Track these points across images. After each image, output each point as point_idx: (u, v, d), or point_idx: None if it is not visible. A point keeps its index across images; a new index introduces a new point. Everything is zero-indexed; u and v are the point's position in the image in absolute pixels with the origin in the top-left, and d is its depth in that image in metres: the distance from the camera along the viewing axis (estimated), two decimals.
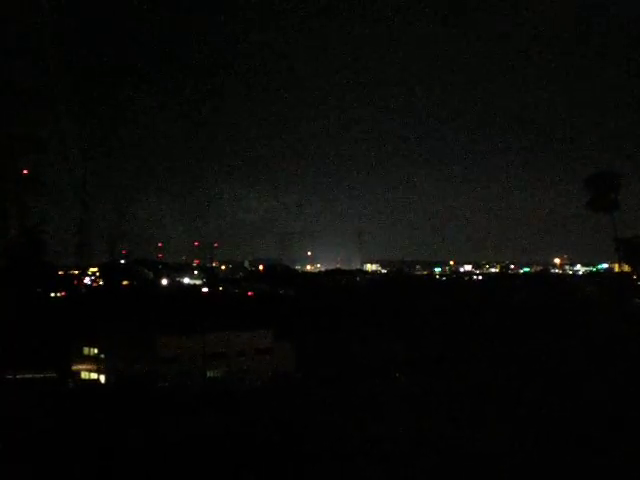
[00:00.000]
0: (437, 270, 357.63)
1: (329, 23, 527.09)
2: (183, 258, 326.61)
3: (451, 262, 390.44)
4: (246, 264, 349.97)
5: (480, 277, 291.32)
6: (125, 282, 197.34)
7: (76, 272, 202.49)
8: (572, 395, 70.44)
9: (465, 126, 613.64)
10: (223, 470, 48.47)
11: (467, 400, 68.88)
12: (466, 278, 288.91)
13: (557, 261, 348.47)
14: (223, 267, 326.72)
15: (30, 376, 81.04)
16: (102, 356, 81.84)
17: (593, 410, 63.42)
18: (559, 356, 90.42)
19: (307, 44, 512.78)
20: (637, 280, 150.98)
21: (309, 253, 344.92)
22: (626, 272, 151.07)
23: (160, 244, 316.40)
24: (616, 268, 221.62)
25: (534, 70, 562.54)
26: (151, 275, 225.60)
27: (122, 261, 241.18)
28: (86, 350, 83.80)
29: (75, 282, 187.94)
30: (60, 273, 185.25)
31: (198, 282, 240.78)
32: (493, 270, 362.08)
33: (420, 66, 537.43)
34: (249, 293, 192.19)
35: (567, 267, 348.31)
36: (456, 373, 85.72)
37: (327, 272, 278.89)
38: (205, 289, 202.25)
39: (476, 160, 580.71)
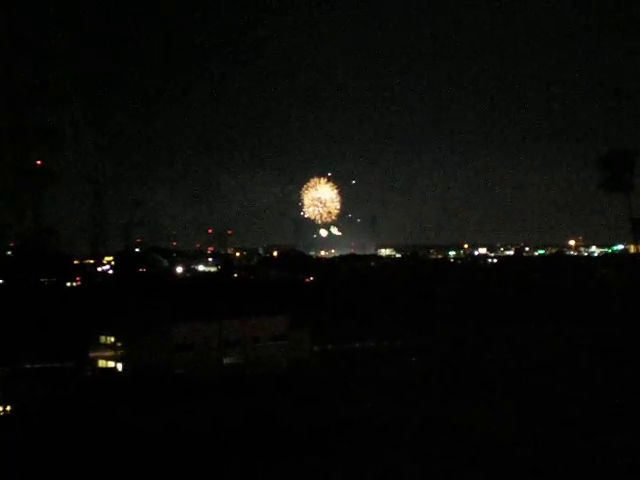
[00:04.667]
0: (451, 254, 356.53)
1: (335, 8, 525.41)
2: (197, 246, 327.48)
3: (465, 245, 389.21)
4: (260, 250, 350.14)
5: (495, 260, 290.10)
6: (140, 270, 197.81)
7: (92, 261, 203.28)
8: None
9: (479, 110, 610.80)
10: (236, 458, 48.77)
11: (475, 388, 69.07)
12: (481, 261, 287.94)
13: (572, 243, 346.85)
14: (238, 254, 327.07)
15: (48, 365, 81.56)
16: (119, 344, 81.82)
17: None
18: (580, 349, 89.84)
19: (314, 27, 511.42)
20: None
21: (324, 234, 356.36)
22: None
23: (174, 232, 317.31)
24: (631, 249, 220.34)
25: (550, 51, 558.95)
26: (166, 263, 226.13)
27: (137, 249, 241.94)
28: (103, 338, 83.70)
29: (90, 271, 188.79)
30: (76, 262, 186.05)
31: (213, 269, 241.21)
32: (508, 253, 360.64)
33: (436, 48, 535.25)
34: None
35: (582, 249, 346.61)
36: (470, 358, 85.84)
37: (342, 257, 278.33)
38: (220, 276, 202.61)
39: (490, 143, 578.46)
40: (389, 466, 45.82)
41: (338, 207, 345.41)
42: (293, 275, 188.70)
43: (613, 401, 61.54)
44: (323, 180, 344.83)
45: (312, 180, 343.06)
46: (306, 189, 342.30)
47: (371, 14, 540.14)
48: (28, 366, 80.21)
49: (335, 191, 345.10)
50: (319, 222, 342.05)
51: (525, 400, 63.24)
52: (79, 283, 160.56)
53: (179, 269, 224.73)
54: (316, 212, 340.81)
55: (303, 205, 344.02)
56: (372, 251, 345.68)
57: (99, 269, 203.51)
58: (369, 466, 45.92)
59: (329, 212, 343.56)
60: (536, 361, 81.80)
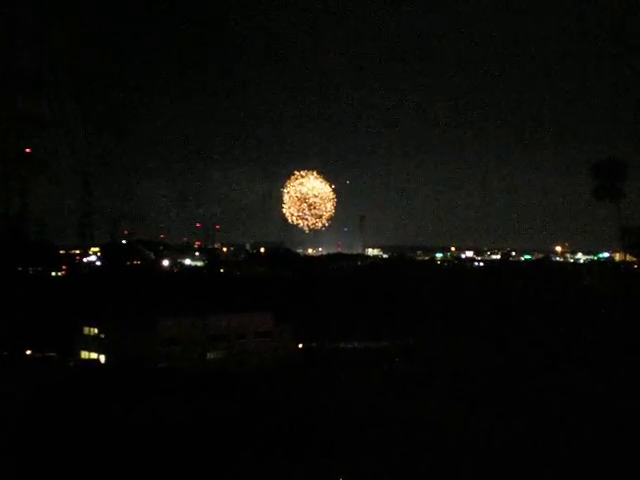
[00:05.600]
0: (438, 256, 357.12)
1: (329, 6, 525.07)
2: (184, 239, 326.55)
3: (452, 248, 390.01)
4: (247, 246, 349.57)
5: (482, 264, 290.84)
6: (126, 262, 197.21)
7: (78, 252, 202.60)
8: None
9: (468, 112, 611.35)
10: (213, 455, 48.60)
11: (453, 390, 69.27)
12: (467, 264, 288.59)
13: (558, 249, 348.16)
14: (225, 249, 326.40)
15: (30, 354, 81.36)
16: (102, 336, 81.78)
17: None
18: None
19: (306, 25, 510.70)
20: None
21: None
22: (627, 261, 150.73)
23: (162, 225, 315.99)
24: (617, 257, 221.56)
25: (541, 57, 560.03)
26: (152, 256, 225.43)
27: (124, 241, 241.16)
28: (87, 330, 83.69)
29: (76, 261, 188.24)
30: (62, 252, 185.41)
31: (199, 264, 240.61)
32: (494, 257, 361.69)
33: (424, 51, 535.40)
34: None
35: (568, 255, 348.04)
36: (454, 359, 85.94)
37: (329, 256, 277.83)
38: (206, 271, 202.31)
39: (479, 146, 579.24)
40: (371, 465, 45.77)
41: (332, 209, 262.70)
42: (279, 272, 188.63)
43: (598, 404, 61.87)
44: (312, 175, 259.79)
45: (297, 174, 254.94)
46: (289, 185, 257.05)
47: (364, 8, 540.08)
48: (6, 354, 80.00)
49: (329, 189, 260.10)
50: (305, 229, 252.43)
51: (508, 402, 63.38)
52: (64, 273, 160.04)
53: (165, 262, 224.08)
54: (296, 214, 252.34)
55: (284, 206, 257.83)
56: (359, 251, 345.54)
57: (85, 260, 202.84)
58: (351, 464, 45.85)
59: (319, 216, 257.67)
60: (521, 364, 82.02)
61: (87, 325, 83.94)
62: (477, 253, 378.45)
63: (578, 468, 45.65)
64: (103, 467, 45.44)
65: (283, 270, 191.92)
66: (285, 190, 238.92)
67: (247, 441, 51.06)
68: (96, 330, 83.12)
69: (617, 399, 63.80)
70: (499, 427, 55.45)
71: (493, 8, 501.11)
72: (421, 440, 51.25)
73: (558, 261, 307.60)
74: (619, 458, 47.33)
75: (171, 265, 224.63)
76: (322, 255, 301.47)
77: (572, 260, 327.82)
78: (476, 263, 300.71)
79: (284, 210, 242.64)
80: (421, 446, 49.98)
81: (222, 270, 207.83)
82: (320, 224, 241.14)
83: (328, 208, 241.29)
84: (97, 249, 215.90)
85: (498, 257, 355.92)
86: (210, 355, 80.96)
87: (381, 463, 46.41)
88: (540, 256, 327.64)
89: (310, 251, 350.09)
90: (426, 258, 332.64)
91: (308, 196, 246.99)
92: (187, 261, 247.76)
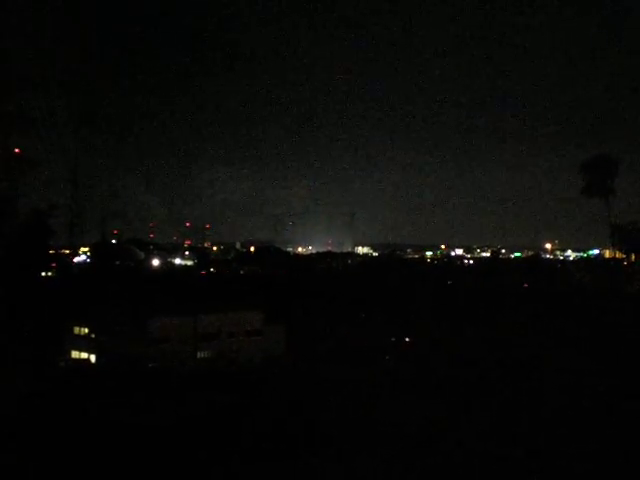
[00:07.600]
0: (428, 254, 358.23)
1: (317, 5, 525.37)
2: (174, 239, 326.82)
3: (442, 246, 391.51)
4: (237, 245, 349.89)
5: (471, 261, 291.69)
6: (116, 262, 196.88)
7: (67, 251, 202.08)
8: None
9: (458, 110, 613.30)
10: (201, 455, 48.50)
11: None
12: (457, 262, 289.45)
13: (548, 246, 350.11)
14: (215, 248, 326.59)
15: (20, 354, 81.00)
16: (93, 336, 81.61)
17: None
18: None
19: (296, 25, 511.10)
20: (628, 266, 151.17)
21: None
22: (617, 258, 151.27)
23: (152, 224, 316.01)
24: (607, 254, 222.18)
25: (532, 54, 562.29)
26: (142, 255, 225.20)
27: (113, 241, 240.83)
28: (77, 329, 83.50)
29: (66, 261, 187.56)
30: (51, 252, 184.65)
31: (189, 263, 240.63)
32: (484, 254, 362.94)
33: (416, 48, 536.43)
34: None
35: (558, 252, 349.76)
36: (445, 359, 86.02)
37: (319, 254, 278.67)
38: (196, 270, 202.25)
39: (469, 144, 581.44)
40: (355, 469, 45.63)
41: None
42: (270, 271, 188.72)
43: (584, 404, 62.00)
44: None
45: None
46: None
47: (354, 9, 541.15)
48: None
49: None
50: None
51: (498, 403, 63.46)
52: (54, 273, 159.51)
53: (155, 262, 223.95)
54: None
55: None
56: (349, 249, 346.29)
57: (75, 260, 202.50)
58: (335, 468, 45.69)
59: None
60: (512, 364, 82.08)
61: (77, 325, 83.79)
62: (467, 251, 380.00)
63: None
64: (97, 466, 45.33)
65: (273, 268, 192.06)
66: None
67: (239, 439, 51.00)
68: (86, 330, 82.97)
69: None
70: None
71: (485, 6, 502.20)
72: (405, 445, 51.11)
73: (548, 258, 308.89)
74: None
75: (161, 264, 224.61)
76: (312, 254, 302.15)
77: (562, 257, 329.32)
78: (466, 261, 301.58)
79: None
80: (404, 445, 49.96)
81: (212, 269, 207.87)
82: None
83: None
84: (87, 249, 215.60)
85: (488, 255, 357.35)
86: (200, 354, 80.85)
87: (373, 461, 46.45)
88: (530, 253, 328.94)
89: (300, 250, 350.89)
90: (416, 256, 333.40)
91: None
92: (177, 260, 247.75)
